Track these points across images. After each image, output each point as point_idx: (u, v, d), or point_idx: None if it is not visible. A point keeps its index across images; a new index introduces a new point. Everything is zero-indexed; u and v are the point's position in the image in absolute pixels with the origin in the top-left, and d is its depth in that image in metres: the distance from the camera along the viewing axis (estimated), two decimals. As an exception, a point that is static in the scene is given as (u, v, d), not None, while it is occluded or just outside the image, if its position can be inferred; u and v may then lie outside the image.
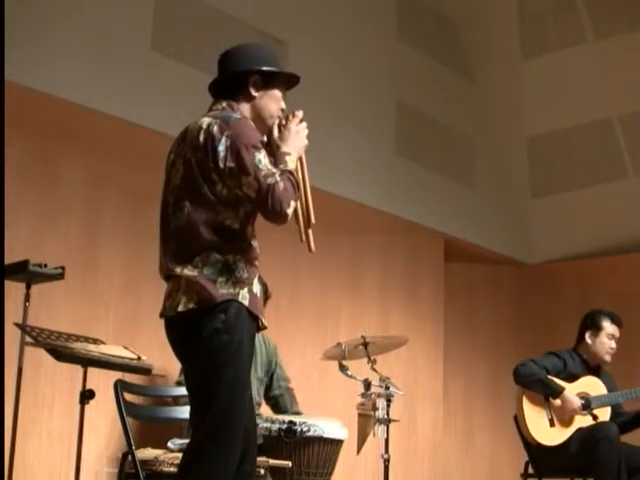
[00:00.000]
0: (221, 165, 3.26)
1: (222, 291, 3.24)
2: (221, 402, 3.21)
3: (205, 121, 3.37)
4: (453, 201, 8.29)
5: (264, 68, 3.50)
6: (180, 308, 3.26)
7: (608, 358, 5.96)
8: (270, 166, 3.26)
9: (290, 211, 3.24)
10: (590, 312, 6.06)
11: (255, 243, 3.42)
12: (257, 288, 3.37)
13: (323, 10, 7.24)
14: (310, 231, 3.39)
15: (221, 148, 3.27)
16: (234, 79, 3.51)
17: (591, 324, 6.00)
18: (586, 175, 8.51)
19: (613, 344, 5.95)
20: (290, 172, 3.30)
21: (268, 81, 3.51)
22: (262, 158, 3.26)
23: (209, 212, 3.29)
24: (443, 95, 8.34)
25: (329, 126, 7.08)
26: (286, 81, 3.59)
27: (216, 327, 3.21)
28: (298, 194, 3.31)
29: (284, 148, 3.39)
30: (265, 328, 3.51)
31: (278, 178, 3.22)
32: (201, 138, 3.32)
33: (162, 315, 3.37)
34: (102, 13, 5.74)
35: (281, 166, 3.30)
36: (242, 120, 3.37)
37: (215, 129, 3.31)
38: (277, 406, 5.81)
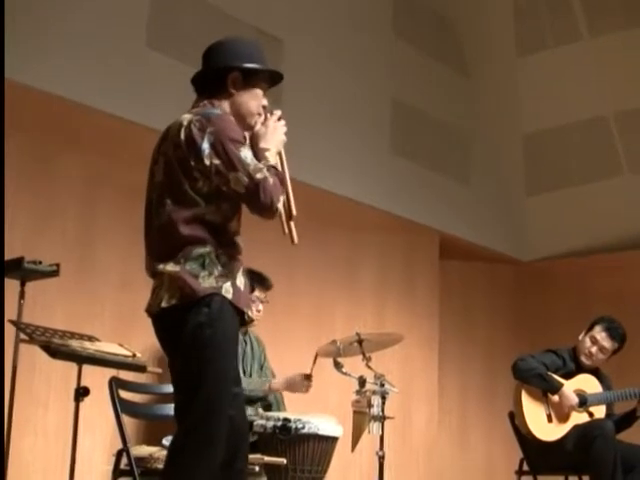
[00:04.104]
0: (206, 162, 3.26)
1: (204, 285, 3.26)
2: (205, 397, 3.22)
3: (186, 118, 3.37)
4: (449, 198, 8.30)
5: (244, 65, 3.50)
6: (163, 304, 3.29)
7: (585, 361, 5.96)
8: (256, 161, 3.27)
9: (280, 205, 3.27)
10: (600, 316, 6.06)
11: (239, 239, 3.44)
12: (241, 281, 3.38)
13: (319, 7, 7.23)
14: (292, 223, 3.40)
15: (205, 146, 3.28)
16: (214, 75, 3.52)
17: (589, 325, 6.03)
18: (582, 172, 8.51)
19: (593, 349, 5.94)
20: (274, 167, 3.32)
21: (248, 78, 3.51)
22: (247, 153, 3.28)
23: (189, 209, 3.30)
24: (439, 92, 8.34)
25: (325, 124, 7.09)
26: (269, 78, 3.59)
27: (200, 321, 3.23)
28: (284, 188, 3.33)
29: (262, 144, 3.41)
30: (252, 321, 3.54)
31: (267, 173, 3.24)
32: (182, 135, 3.33)
33: (147, 311, 3.39)
34: (98, 10, 5.73)
35: (263, 162, 3.31)
36: (224, 116, 3.37)
37: (196, 126, 3.31)
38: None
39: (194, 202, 3.30)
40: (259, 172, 3.23)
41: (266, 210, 3.26)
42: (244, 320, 3.46)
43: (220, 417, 3.25)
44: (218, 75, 3.50)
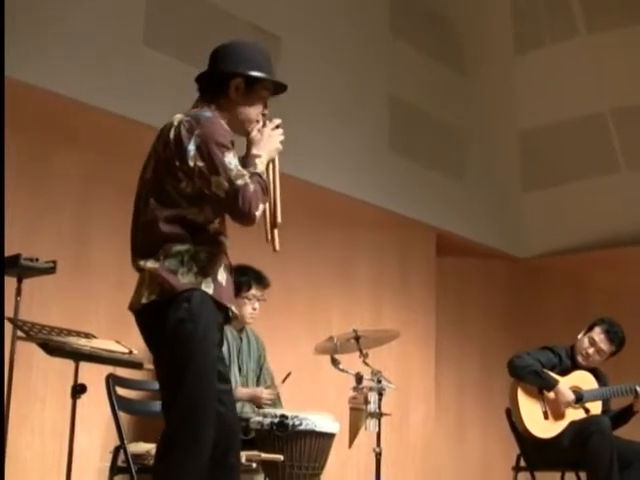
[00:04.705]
0: (191, 164, 3.28)
1: (183, 281, 3.28)
2: (188, 393, 3.23)
3: (177, 118, 3.40)
4: (445, 195, 8.30)
5: (247, 73, 3.49)
6: (143, 300, 3.33)
7: (582, 361, 5.97)
8: (240, 167, 3.28)
9: (258, 214, 3.27)
10: (601, 317, 6.07)
11: (223, 238, 3.44)
12: (223, 277, 3.39)
13: (317, 5, 7.23)
14: (276, 231, 3.42)
15: (191, 147, 3.29)
16: (217, 78, 3.52)
17: (589, 325, 6.04)
18: (578, 169, 8.51)
19: (591, 350, 5.95)
20: (259, 175, 3.32)
21: (251, 85, 3.51)
22: (232, 158, 3.28)
23: (171, 208, 3.34)
24: (436, 90, 8.34)
25: (322, 121, 7.09)
26: (272, 86, 3.59)
27: (180, 317, 3.25)
28: (266, 197, 3.33)
29: (255, 150, 3.42)
30: (236, 317, 3.55)
31: (248, 180, 3.25)
32: (171, 135, 3.35)
33: (130, 309, 3.42)
34: (95, 8, 5.73)
35: (251, 168, 3.32)
36: (213, 119, 3.37)
37: (185, 127, 3.33)
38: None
39: (177, 202, 3.33)
40: (240, 178, 3.24)
41: (244, 217, 3.26)
42: (229, 316, 3.47)
43: (205, 412, 3.26)
44: (221, 79, 3.51)
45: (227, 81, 3.49)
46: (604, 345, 5.94)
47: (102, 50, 5.73)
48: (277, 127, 3.51)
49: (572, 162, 8.53)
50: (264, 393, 5.47)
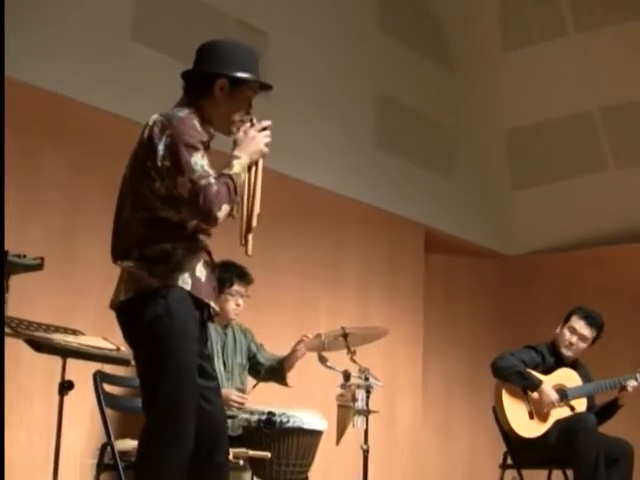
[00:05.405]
0: (159, 164, 3.28)
1: (159, 278, 3.29)
2: (168, 390, 3.24)
3: (153, 118, 3.41)
4: (433, 192, 8.31)
5: (232, 74, 3.48)
6: (122, 298, 3.35)
7: (566, 352, 5.97)
8: (207, 168, 3.26)
9: (221, 215, 3.23)
10: (576, 306, 6.08)
11: (202, 237, 3.43)
12: (202, 273, 3.39)
13: (304, 1, 7.23)
14: (250, 236, 3.38)
15: (161, 147, 3.29)
16: (202, 78, 3.51)
17: (565, 317, 6.04)
18: (566, 167, 8.53)
19: (573, 339, 5.95)
20: (230, 176, 3.28)
21: (236, 85, 3.49)
22: (199, 159, 3.26)
23: (146, 208, 3.34)
24: (424, 87, 8.35)
25: (310, 118, 7.09)
26: (258, 85, 3.56)
27: (157, 313, 3.26)
28: (235, 198, 3.31)
29: (236, 152, 3.40)
30: (217, 314, 3.55)
31: (212, 180, 3.23)
32: (145, 135, 3.37)
33: (110, 307, 3.44)
34: (83, 3, 5.72)
35: (225, 170, 3.30)
36: (185, 119, 3.36)
37: (158, 126, 3.34)
38: (272, 367, 5.73)
39: (150, 202, 3.34)
40: (204, 179, 3.22)
41: (203, 216, 3.26)
42: (210, 313, 3.47)
43: (185, 406, 3.26)
44: (206, 78, 3.50)
45: (212, 81, 3.48)
46: (585, 331, 5.94)
47: (89, 46, 5.72)
48: (265, 129, 3.48)
49: (560, 160, 8.55)
50: (233, 395, 5.42)
